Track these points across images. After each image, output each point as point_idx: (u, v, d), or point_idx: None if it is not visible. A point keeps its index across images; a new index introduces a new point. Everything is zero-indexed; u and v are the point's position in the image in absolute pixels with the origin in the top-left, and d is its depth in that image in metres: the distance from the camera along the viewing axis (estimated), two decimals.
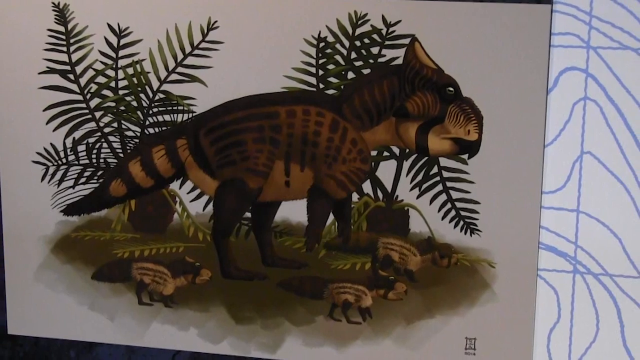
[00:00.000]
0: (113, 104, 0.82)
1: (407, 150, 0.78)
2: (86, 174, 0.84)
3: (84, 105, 0.83)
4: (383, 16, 0.75)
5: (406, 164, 0.78)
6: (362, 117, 0.78)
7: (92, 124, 0.83)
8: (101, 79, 0.82)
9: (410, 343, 0.80)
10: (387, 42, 0.76)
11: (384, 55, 0.76)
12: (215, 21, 0.78)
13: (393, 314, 0.80)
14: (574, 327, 0.78)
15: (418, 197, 0.78)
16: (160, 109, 0.81)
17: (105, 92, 0.82)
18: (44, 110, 0.83)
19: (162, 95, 0.81)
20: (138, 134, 0.82)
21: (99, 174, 0.84)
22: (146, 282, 0.84)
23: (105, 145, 0.83)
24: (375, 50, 0.76)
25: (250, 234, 0.82)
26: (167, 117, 0.81)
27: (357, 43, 0.77)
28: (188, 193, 0.83)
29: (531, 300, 0.77)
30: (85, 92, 0.83)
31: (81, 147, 0.84)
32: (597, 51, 0.74)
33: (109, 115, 0.83)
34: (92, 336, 0.86)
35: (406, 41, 0.76)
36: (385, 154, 0.78)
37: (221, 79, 0.79)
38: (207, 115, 0.80)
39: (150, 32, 0.80)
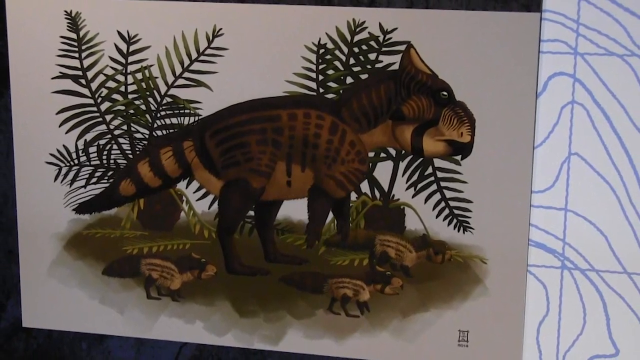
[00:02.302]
0: (123, 108, 0.82)
1: (403, 152, 0.78)
2: (97, 174, 0.84)
3: (95, 108, 0.83)
4: (380, 24, 0.76)
5: (402, 165, 0.78)
6: (360, 120, 0.78)
7: (103, 127, 0.83)
8: (111, 84, 0.82)
9: (406, 335, 0.80)
10: (383, 49, 0.76)
11: (381, 61, 0.77)
12: (220, 29, 0.79)
13: (390, 307, 0.80)
14: (562, 321, 0.78)
15: (413, 196, 0.78)
16: (168, 112, 0.81)
17: (115, 96, 0.82)
18: (57, 114, 0.83)
19: (169, 99, 0.81)
20: (147, 136, 0.82)
21: (109, 174, 0.84)
22: (154, 277, 0.85)
23: (115, 146, 0.83)
24: (372, 56, 0.77)
25: (254, 232, 0.82)
26: (174, 120, 0.82)
27: (356, 49, 0.77)
28: (194, 192, 0.83)
29: (521, 295, 0.77)
30: (96, 96, 0.83)
31: (92, 149, 0.84)
32: (584, 57, 0.74)
33: (119, 118, 0.83)
34: (103, 329, 0.86)
35: (402, 48, 0.76)
36: (382, 155, 0.79)
37: (226, 83, 0.79)
38: (212, 118, 0.80)
39: (158, 39, 0.80)
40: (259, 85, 0.79)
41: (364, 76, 0.78)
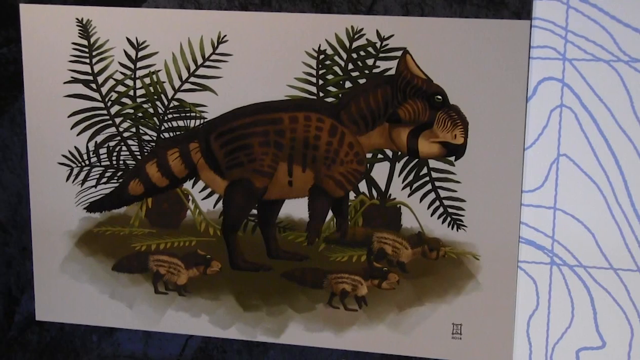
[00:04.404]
0: (131, 111, 0.83)
1: (399, 153, 0.79)
2: (107, 174, 0.85)
3: (105, 112, 0.84)
4: (377, 31, 0.77)
5: (398, 166, 0.79)
6: (358, 123, 0.79)
7: (113, 129, 0.84)
8: (121, 88, 0.83)
9: (402, 328, 0.81)
10: (381, 55, 0.77)
11: (378, 67, 0.78)
12: (225, 35, 0.80)
13: (386, 301, 0.81)
14: (551, 314, 0.78)
15: (409, 195, 0.79)
16: (175, 115, 0.82)
17: (125, 100, 0.83)
18: (68, 117, 0.84)
19: (176, 103, 0.82)
20: (154, 138, 0.84)
21: (118, 174, 0.85)
22: (162, 273, 0.86)
23: (124, 148, 0.84)
24: (370, 61, 0.78)
25: (257, 229, 0.83)
26: (180, 123, 0.82)
27: (354, 55, 0.78)
28: (200, 192, 0.84)
29: (512, 290, 0.78)
30: (106, 100, 0.84)
31: (102, 150, 0.85)
32: (573, 63, 0.75)
33: (128, 121, 0.84)
34: (113, 322, 0.87)
35: (398, 54, 0.77)
36: (380, 156, 0.80)
37: (230, 88, 0.80)
38: (217, 121, 0.81)
39: (166, 46, 0.81)
40: (262, 90, 0.80)
41: (362, 81, 0.79)
